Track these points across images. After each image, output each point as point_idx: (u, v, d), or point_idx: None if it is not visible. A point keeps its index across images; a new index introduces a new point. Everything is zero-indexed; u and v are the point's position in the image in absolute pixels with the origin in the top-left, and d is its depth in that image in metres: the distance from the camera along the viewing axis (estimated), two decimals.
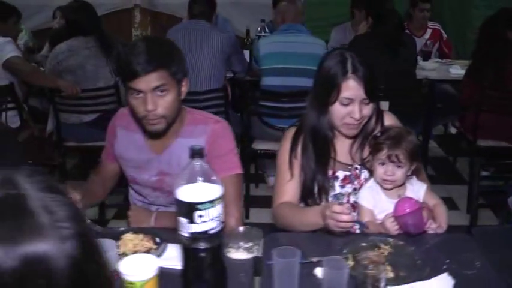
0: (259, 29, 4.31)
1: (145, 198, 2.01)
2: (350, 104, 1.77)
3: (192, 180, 1.30)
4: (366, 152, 1.90)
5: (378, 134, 1.84)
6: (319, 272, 1.51)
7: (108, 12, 6.08)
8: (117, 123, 2.00)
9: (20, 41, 4.85)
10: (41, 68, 4.01)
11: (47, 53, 4.74)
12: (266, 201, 2.52)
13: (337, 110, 1.78)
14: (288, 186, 1.89)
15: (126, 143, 1.96)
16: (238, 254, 1.62)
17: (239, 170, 1.89)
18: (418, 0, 4.72)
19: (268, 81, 3.60)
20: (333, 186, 1.91)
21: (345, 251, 1.60)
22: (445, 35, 4.89)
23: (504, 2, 4.66)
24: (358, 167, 1.92)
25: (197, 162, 1.31)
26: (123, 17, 6.40)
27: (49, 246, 0.64)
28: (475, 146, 3.62)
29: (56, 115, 3.65)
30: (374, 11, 3.84)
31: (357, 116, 1.77)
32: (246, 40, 4.21)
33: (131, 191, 2.07)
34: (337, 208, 1.60)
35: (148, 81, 1.69)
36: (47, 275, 0.63)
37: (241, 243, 1.63)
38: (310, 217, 1.75)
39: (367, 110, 1.79)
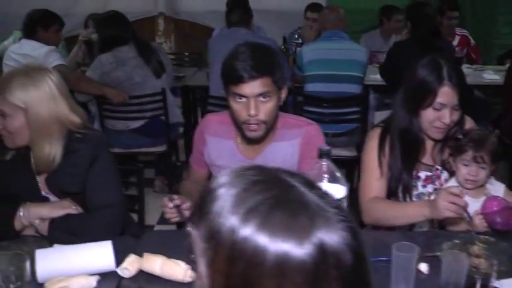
0: (296, 36, 4.39)
1: None
2: (442, 109, 1.85)
3: (319, 179, 1.38)
4: (446, 153, 1.98)
5: (460, 137, 1.92)
6: (423, 267, 1.59)
7: (131, 20, 6.12)
8: (206, 130, 2.02)
9: None
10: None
11: (81, 59, 4.79)
12: None
13: (429, 114, 1.87)
14: (377, 183, 1.96)
15: (217, 150, 1.98)
16: None
17: None
18: (446, 8, 4.73)
19: (312, 87, 3.67)
20: (415, 186, 1.98)
21: (443, 247, 1.67)
22: (472, 41, 4.96)
23: None
24: (439, 168, 1.99)
25: (324, 163, 1.38)
26: (146, 25, 6.46)
27: (338, 238, 0.65)
28: None
29: (102, 122, 3.70)
30: (412, 16, 3.92)
31: (447, 121, 1.85)
32: (283, 48, 4.28)
33: None
34: (455, 190, 1.69)
35: (253, 87, 1.74)
36: (337, 266, 0.65)
37: None
38: (415, 208, 1.84)
39: (456, 115, 1.88)
